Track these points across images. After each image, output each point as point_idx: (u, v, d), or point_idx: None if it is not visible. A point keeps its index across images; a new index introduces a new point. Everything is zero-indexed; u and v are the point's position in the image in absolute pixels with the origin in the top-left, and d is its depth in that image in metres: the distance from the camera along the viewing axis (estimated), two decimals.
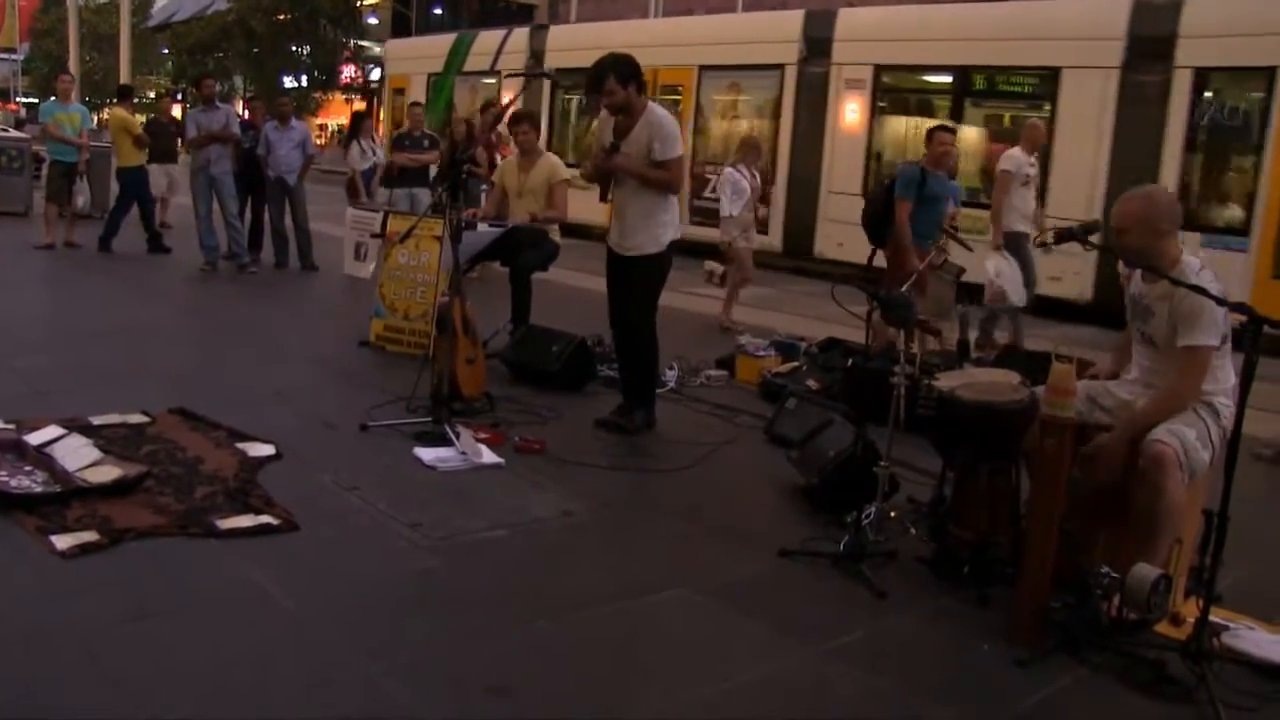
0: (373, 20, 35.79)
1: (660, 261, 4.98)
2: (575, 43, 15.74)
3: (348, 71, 35.52)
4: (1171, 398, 3.26)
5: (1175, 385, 3.27)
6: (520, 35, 16.97)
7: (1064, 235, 3.57)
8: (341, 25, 31.88)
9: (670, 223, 4.97)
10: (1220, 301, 3.05)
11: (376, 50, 36.74)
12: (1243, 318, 2.81)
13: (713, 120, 14.37)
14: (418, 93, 18.36)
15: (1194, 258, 3.31)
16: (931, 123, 9.10)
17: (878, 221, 6.60)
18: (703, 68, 14.11)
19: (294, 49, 32.17)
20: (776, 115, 13.29)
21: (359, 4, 32.32)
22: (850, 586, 3.41)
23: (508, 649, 2.87)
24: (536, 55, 16.16)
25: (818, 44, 12.78)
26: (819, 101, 12.72)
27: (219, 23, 32.76)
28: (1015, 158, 7.73)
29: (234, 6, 31.31)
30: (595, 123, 5.11)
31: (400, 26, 36.94)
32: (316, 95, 33.14)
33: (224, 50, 32.86)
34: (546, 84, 15.79)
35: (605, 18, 21.05)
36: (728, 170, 8.43)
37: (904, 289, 4.25)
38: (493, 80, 16.88)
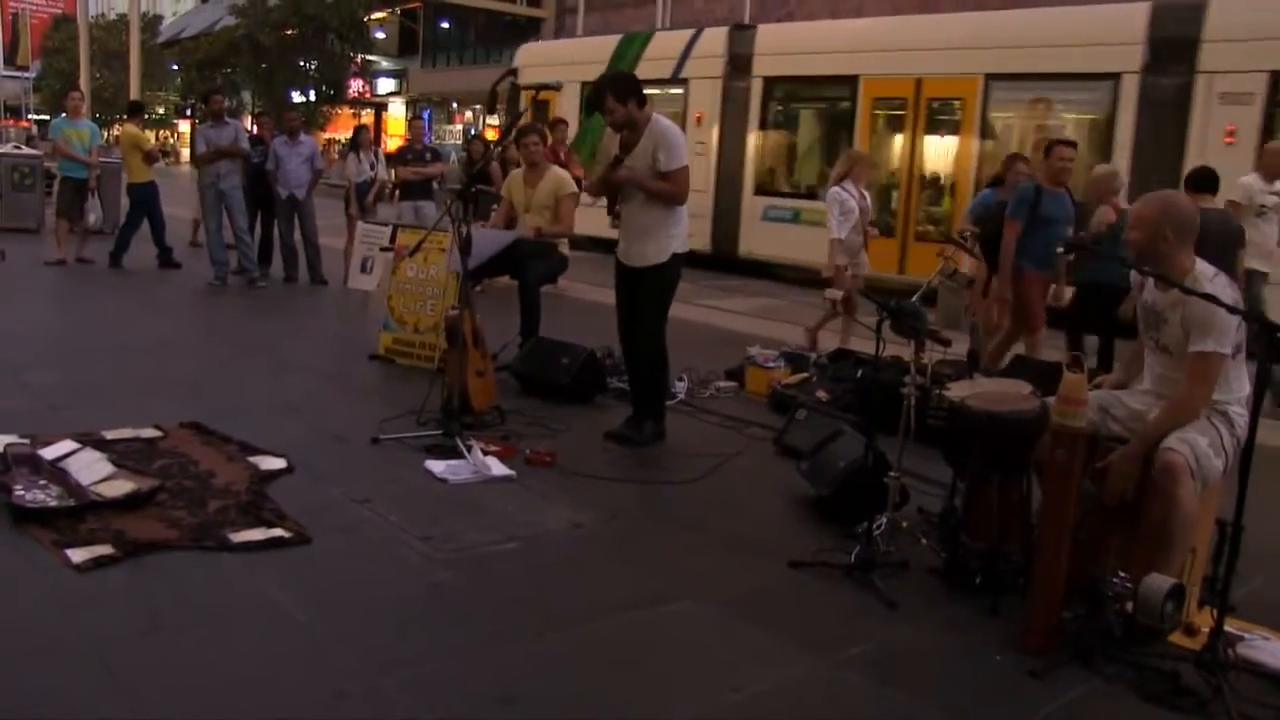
0: (380, 35, 36.01)
1: (668, 272, 4.99)
2: (797, 45, 13.33)
3: (355, 86, 35.72)
4: (1182, 405, 3.24)
5: (1185, 392, 3.25)
6: (715, 36, 14.05)
7: (1071, 245, 3.57)
8: (349, 40, 32.04)
9: (679, 235, 4.98)
10: (1232, 310, 3.03)
11: (385, 64, 37.03)
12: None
13: (1006, 144, 11.07)
14: (568, 104, 14.93)
15: (1209, 266, 3.29)
16: None
17: (993, 245, 6.19)
18: (991, 77, 11.17)
19: (302, 64, 32.35)
20: (1107, 139, 10.40)
21: (366, 19, 32.50)
22: (861, 597, 3.41)
23: (518, 660, 2.88)
24: (738, 60, 13.59)
25: (1172, 46, 9.88)
26: (1175, 121, 9.80)
27: (227, 38, 32.98)
28: (1247, 186, 6.80)
29: (242, 22, 31.53)
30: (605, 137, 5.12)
31: (407, 41, 37.24)
32: (324, 109, 33.31)
33: (232, 65, 33.07)
34: (757, 94, 13.41)
35: (610, 29, 20.65)
36: (833, 189, 7.40)
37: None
38: (679, 90, 14.13)
